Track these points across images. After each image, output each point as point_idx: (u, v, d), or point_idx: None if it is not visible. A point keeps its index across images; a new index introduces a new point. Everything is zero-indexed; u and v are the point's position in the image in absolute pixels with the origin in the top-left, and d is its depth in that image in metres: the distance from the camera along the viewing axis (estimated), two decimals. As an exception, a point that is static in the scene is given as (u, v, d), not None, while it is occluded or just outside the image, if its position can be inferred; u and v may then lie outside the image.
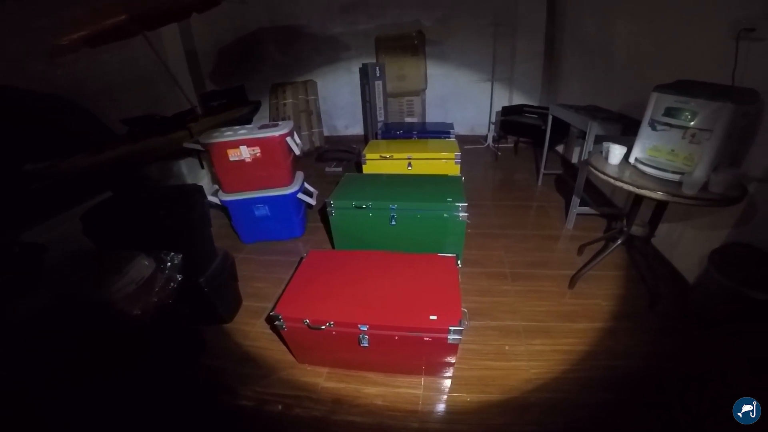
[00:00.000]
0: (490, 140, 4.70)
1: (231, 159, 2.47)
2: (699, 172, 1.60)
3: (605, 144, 1.96)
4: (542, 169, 3.47)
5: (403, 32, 4.50)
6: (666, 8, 2.41)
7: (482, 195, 3.37)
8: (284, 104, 4.44)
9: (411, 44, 4.46)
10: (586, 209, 2.81)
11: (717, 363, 1.70)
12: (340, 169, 4.01)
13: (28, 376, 1.46)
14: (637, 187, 1.69)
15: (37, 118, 2.61)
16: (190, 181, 3.32)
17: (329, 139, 5.14)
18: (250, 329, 2.04)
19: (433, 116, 4.86)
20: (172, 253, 1.68)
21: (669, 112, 1.65)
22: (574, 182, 2.73)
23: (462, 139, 4.66)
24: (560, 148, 4.25)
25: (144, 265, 1.56)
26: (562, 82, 4.31)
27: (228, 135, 2.47)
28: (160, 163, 3.26)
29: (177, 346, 1.78)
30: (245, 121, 3.87)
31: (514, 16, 4.36)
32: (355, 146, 4.21)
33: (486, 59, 4.55)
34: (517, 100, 4.60)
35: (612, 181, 1.79)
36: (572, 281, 2.20)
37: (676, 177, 1.68)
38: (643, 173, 1.80)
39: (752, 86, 1.67)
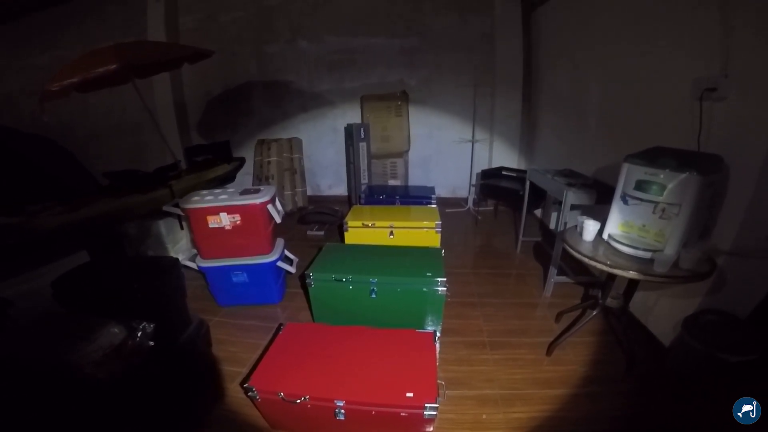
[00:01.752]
0: (470, 203, 4.81)
1: (210, 226, 2.45)
2: (669, 250, 1.67)
3: (579, 218, 2.04)
4: (521, 236, 3.55)
5: (388, 91, 4.71)
6: (634, 70, 2.55)
7: (462, 262, 3.40)
8: (269, 162, 4.50)
9: (395, 104, 4.65)
10: (563, 278, 2.86)
11: (693, 420, 1.74)
12: (322, 233, 4.01)
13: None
14: (610, 266, 1.75)
15: (22, 158, 2.58)
16: (168, 241, 3.26)
17: (312, 199, 5.17)
18: (222, 394, 1.98)
19: (415, 177, 4.98)
20: (144, 323, 1.64)
21: (639, 185, 1.72)
22: (552, 249, 2.79)
23: (443, 202, 4.78)
24: (539, 212, 4.36)
25: (114, 333, 1.53)
26: (539, 143, 4.50)
27: (208, 200, 2.46)
28: (138, 222, 3.21)
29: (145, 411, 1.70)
30: (229, 178, 3.89)
31: (492, 76, 4.59)
32: (337, 209, 4.25)
33: (467, 119, 4.72)
34: (497, 160, 4.74)
35: (586, 260, 1.85)
36: (550, 348, 2.20)
37: (647, 254, 1.74)
38: (617, 250, 1.86)
39: (717, 150, 1.78)
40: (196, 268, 2.57)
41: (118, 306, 1.70)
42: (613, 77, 2.84)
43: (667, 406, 1.83)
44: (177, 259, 1.93)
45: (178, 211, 2.55)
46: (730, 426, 1.58)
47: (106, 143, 4.68)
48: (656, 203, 1.71)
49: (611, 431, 1.70)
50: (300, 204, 4.89)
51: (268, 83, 4.95)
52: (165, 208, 2.70)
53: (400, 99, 4.67)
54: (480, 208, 4.68)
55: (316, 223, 4.16)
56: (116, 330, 1.54)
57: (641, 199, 1.75)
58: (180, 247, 3.29)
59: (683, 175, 1.59)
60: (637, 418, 1.77)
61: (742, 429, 1.54)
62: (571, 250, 1.94)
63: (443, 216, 2.96)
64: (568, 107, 3.64)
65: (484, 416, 1.81)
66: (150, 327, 1.64)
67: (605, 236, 1.95)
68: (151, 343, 1.62)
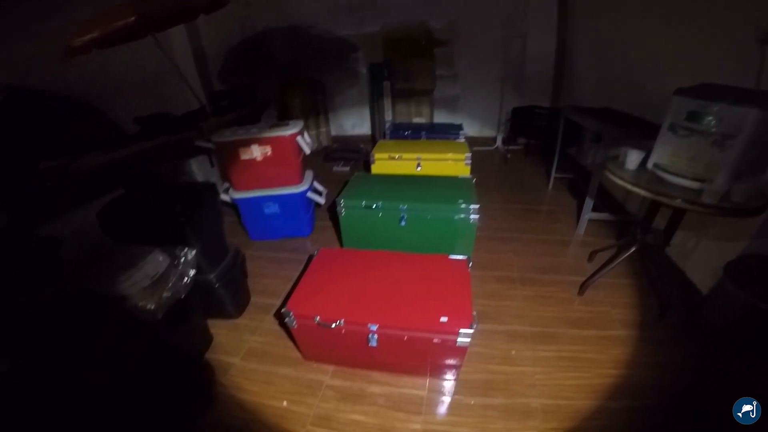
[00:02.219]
0: (499, 142, 4.66)
1: (242, 158, 2.48)
2: (721, 180, 1.55)
3: (623, 148, 1.93)
4: (553, 173, 3.43)
5: (411, 33, 4.46)
6: (683, 10, 2.35)
7: (491, 197, 3.34)
8: (292, 104, 4.43)
9: (419, 45, 4.42)
10: (598, 215, 2.77)
11: (726, 376, 1.66)
12: (347, 168, 4.01)
13: (41, 368, 1.47)
14: (655, 193, 1.66)
15: (51, 118, 2.64)
16: (200, 178, 3.34)
17: (336, 139, 5.13)
18: (258, 325, 2.06)
19: (441, 117, 4.83)
20: (186, 249, 1.70)
21: (691, 116, 1.59)
22: (587, 186, 2.70)
23: (470, 141, 4.62)
24: (572, 152, 4.18)
25: (159, 260, 1.60)
26: (574, 84, 4.24)
27: (240, 134, 2.47)
28: (171, 162, 3.28)
29: (187, 340, 1.80)
30: (254, 120, 3.88)
31: (524, 16, 4.30)
32: (362, 146, 4.21)
33: (496, 60, 4.50)
34: (528, 101, 4.52)
35: (629, 186, 1.75)
36: (582, 288, 2.16)
37: (696, 184, 1.63)
38: (662, 179, 1.75)
39: None
40: (229, 200, 2.62)
41: (160, 233, 1.75)
42: (661, 14, 2.60)
43: (699, 358, 1.76)
44: (213, 183, 1.96)
45: (211, 146, 2.57)
46: (759, 386, 1.55)
47: (130, 98, 4.70)
48: (709, 134, 1.57)
49: (639, 377, 1.66)
50: (325, 143, 4.87)
51: (287, 28, 4.78)
52: (197, 143, 2.74)
53: (424, 39, 4.42)
54: (510, 147, 4.53)
55: (341, 160, 4.15)
56: (160, 257, 1.60)
57: (692, 130, 1.62)
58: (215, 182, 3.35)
59: (742, 108, 1.45)
60: (666, 367, 1.71)
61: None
62: (612, 177, 1.85)
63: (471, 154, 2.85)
64: (609, 45, 3.38)
65: (513, 352, 1.81)
66: (192, 253, 1.70)
67: (650, 165, 1.84)
68: (193, 271, 1.68)
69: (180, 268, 1.66)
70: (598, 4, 3.63)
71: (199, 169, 3.32)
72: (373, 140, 4.80)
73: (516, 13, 4.29)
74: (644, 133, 2.28)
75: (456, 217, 2.14)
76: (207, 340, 1.94)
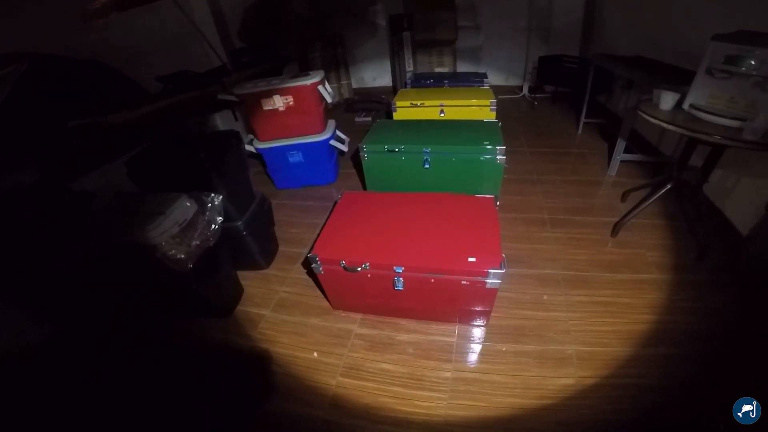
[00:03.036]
0: (525, 90, 4.48)
1: (265, 108, 2.49)
2: (763, 118, 1.47)
3: (656, 90, 1.84)
4: (583, 117, 3.29)
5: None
6: None
7: (518, 142, 3.25)
8: (313, 58, 4.37)
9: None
10: (631, 156, 2.66)
11: (765, 321, 1.59)
12: (369, 118, 3.97)
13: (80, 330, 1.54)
14: (693, 131, 1.59)
15: (76, 83, 2.69)
16: (224, 133, 3.38)
17: (357, 91, 5.06)
18: (287, 275, 2.07)
19: (464, 67, 4.65)
20: (213, 194, 1.71)
21: (731, 60, 1.53)
22: (618, 131, 2.58)
23: (496, 89, 4.47)
24: (602, 98, 3.99)
25: (186, 206, 1.60)
26: (604, 33, 3.99)
27: (261, 85, 2.47)
28: (195, 117, 3.32)
29: (218, 291, 1.82)
30: (275, 74, 3.85)
31: None
32: (384, 97, 4.13)
33: (522, 10, 4.27)
34: (556, 51, 4.26)
35: (664, 125, 1.69)
36: (615, 229, 2.10)
37: (735, 123, 1.56)
38: (698, 119, 1.68)
39: None
40: (254, 151, 2.65)
41: (187, 180, 1.75)
42: None
43: (740, 303, 1.67)
44: (237, 131, 1.97)
45: (234, 98, 2.59)
46: None
47: (152, 59, 4.75)
48: (749, 76, 1.50)
49: (677, 323, 1.60)
50: (346, 95, 4.83)
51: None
52: (220, 96, 2.76)
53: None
54: (536, 95, 4.35)
55: (363, 110, 4.11)
56: (188, 203, 1.61)
57: (731, 73, 1.56)
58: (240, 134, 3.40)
59: None
60: (705, 313, 1.64)
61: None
62: (646, 116, 1.77)
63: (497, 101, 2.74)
64: None
65: (545, 297, 1.77)
66: (218, 199, 1.70)
67: (686, 106, 1.75)
68: (220, 218, 1.69)
69: (207, 214, 1.67)
70: None
71: (224, 123, 3.34)
72: (394, 91, 4.68)
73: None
74: (678, 79, 2.16)
75: (482, 158, 2.09)
76: (238, 291, 1.97)
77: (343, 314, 1.80)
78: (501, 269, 1.37)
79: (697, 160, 1.96)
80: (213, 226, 1.69)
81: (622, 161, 2.63)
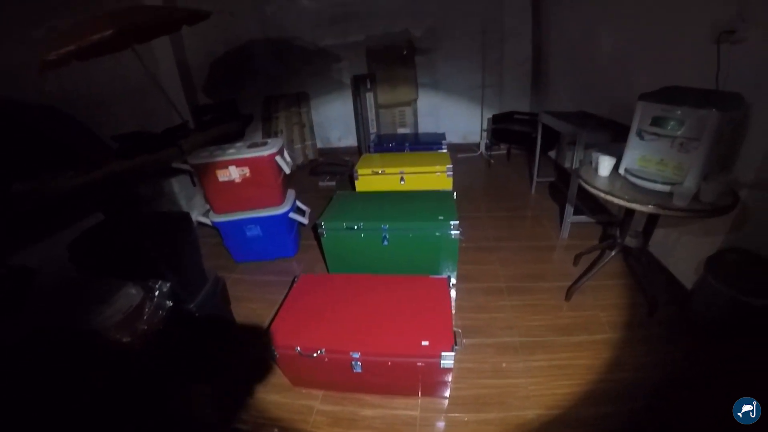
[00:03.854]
0: (482, 148, 4.69)
1: (220, 179, 2.45)
2: (689, 182, 1.60)
3: (594, 154, 1.96)
4: (535, 177, 3.46)
5: (394, 42, 4.48)
6: (646, 12, 2.42)
7: (476, 206, 3.35)
8: (276, 117, 4.42)
9: (401, 54, 4.45)
10: (580, 218, 2.80)
11: (719, 369, 1.67)
12: (333, 183, 3.99)
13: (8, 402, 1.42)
14: (628, 200, 1.68)
15: (31, 131, 2.59)
16: (182, 199, 3.30)
17: (323, 152, 5.12)
18: (245, 352, 2.00)
19: (425, 125, 4.83)
20: (160, 282, 1.66)
21: (656, 121, 1.64)
22: (567, 189, 2.72)
23: (455, 148, 4.69)
24: (552, 153, 4.24)
25: (131, 294, 1.55)
26: (550, 87, 4.30)
27: (217, 155, 2.44)
28: (151, 181, 3.24)
29: (171, 371, 1.76)
30: (238, 135, 3.85)
31: (500, 22, 4.34)
32: (348, 159, 4.21)
33: (476, 66, 4.54)
34: (508, 106, 4.58)
35: (602, 195, 1.78)
36: (569, 293, 2.17)
37: (666, 188, 1.66)
38: (634, 185, 1.79)
39: (736, 89, 1.67)
40: (210, 223, 2.60)
41: (133, 265, 1.70)
42: (625, 17, 2.69)
43: (693, 353, 1.77)
44: (187, 213, 1.93)
45: (188, 167, 2.53)
46: (754, 374, 1.58)
47: (113, 109, 4.67)
48: (674, 137, 1.62)
49: (635, 379, 1.66)
50: (311, 156, 4.86)
51: (271, 41, 4.76)
52: (174, 164, 2.68)
53: (406, 48, 4.44)
54: (492, 153, 4.56)
55: (327, 174, 4.14)
56: (133, 291, 1.56)
57: (658, 135, 1.67)
58: (194, 204, 3.33)
59: (702, 111, 1.50)
60: (662, 366, 1.71)
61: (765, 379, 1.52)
62: (586, 186, 1.87)
63: (455, 161, 2.87)
64: (580, 49, 3.45)
65: (504, 365, 1.79)
66: (166, 286, 1.65)
67: (621, 171, 1.87)
68: (170, 303, 1.64)
69: (155, 300, 1.62)
70: (567, 9, 3.69)
71: (181, 189, 3.28)
72: (359, 152, 4.80)
73: (492, 20, 4.33)
74: (616, 136, 2.36)
75: (437, 233, 2.14)
76: (190, 370, 1.89)
77: (304, 391, 1.76)
78: (452, 352, 1.43)
79: (640, 219, 2.07)
80: (161, 312, 1.62)
81: (572, 223, 2.76)
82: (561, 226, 2.82)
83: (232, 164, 2.41)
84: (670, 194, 1.63)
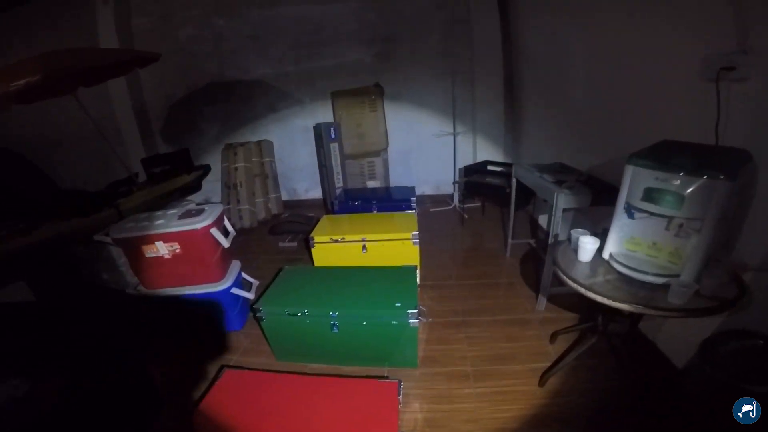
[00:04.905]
0: (456, 201, 4.49)
1: (147, 255, 2.14)
2: (688, 275, 1.35)
3: (573, 234, 1.74)
4: (510, 239, 3.23)
5: (360, 86, 4.33)
6: (630, 47, 2.19)
7: (446, 272, 3.08)
8: (236, 168, 4.14)
9: (369, 99, 4.29)
10: (559, 289, 2.50)
11: None
12: (294, 244, 3.69)
13: None
14: (612, 299, 1.41)
15: None
16: (121, 264, 2.94)
17: (289, 204, 4.85)
18: None
19: (396, 175, 4.62)
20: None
21: (649, 195, 1.38)
22: (544, 253, 2.47)
23: (428, 199, 4.48)
24: (530, 208, 4.02)
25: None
26: (525, 135, 4.15)
27: (142, 227, 2.14)
28: (87, 246, 2.90)
29: None
30: (193, 188, 3.56)
31: (470, 63, 4.26)
32: (312, 215, 3.93)
33: (447, 110, 4.40)
34: (482, 153, 4.43)
35: (583, 291, 1.51)
36: (543, 378, 1.90)
37: (660, 279, 1.42)
38: (620, 273, 1.53)
39: (740, 142, 1.45)
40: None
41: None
42: (604, 56, 2.48)
43: None
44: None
45: (109, 241, 2.22)
46: None
47: (70, 152, 4.45)
48: (671, 218, 1.37)
49: None
50: (274, 211, 4.56)
51: (232, 83, 4.58)
52: (96, 237, 2.34)
53: (373, 93, 4.29)
54: (466, 206, 4.34)
55: (288, 233, 3.84)
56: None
57: (651, 213, 1.41)
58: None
59: (706, 180, 1.24)
60: None
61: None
62: (564, 277, 1.61)
63: (427, 216, 2.65)
64: (555, 93, 3.29)
65: None
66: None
67: (606, 256, 1.63)
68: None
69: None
70: (540, 45, 3.57)
71: (120, 253, 2.93)
72: (325, 206, 4.55)
73: (461, 60, 4.25)
74: (597, 197, 2.16)
75: (394, 322, 1.86)
76: None
77: None
78: None
79: None
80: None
81: (550, 295, 2.49)
82: (537, 295, 2.56)
83: (159, 239, 2.10)
84: (664, 286, 1.39)
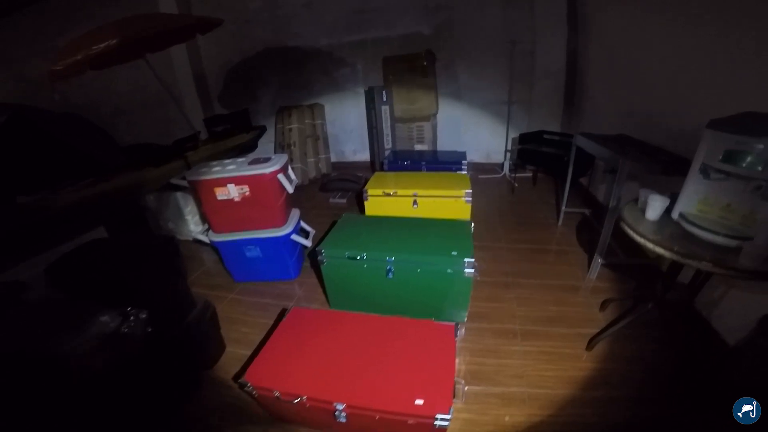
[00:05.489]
0: (506, 169, 4.42)
1: (218, 198, 2.30)
2: (762, 238, 1.28)
3: (643, 193, 1.69)
4: (563, 207, 3.16)
5: (412, 51, 4.26)
6: (718, 18, 2.01)
7: (495, 235, 3.08)
8: (290, 129, 4.28)
9: (421, 65, 4.21)
10: (613, 259, 2.49)
11: None
12: (344, 200, 3.82)
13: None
14: (681, 255, 1.39)
15: (51, 137, 2.56)
16: (187, 213, 3.19)
17: (337, 165, 4.97)
18: (229, 379, 1.86)
19: (444, 142, 4.58)
20: (137, 311, 1.52)
21: (729, 156, 1.33)
22: (599, 224, 2.41)
23: (477, 167, 4.43)
24: (585, 180, 3.88)
25: (104, 322, 1.42)
26: (586, 107, 3.96)
27: (216, 171, 2.29)
28: (156, 194, 3.15)
29: (147, 401, 1.63)
30: (250, 147, 3.75)
31: (532, 32, 4.06)
32: (360, 175, 4.01)
33: (502, 80, 4.26)
34: (536, 125, 4.26)
35: (650, 245, 1.49)
36: (591, 342, 1.91)
37: (731, 242, 1.36)
38: (689, 234, 1.49)
39: None
40: (208, 242, 2.44)
41: (112, 291, 1.59)
42: (684, 23, 2.30)
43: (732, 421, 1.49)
44: (173, 238, 1.78)
45: (185, 184, 2.41)
46: None
47: (133, 118, 4.74)
48: (751, 178, 1.31)
49: None
50: (324, 171, 4.71)
51: (286, 49, 4.68)
52: (172, 180, 2.58)
53: (425, 59, 4.20)
54: (517, 175, 4.28)
55: (338, 190, 3.97)
56: (107, 319, 1.44)
57: (729, 173, 1.36)
58: (199, 218, 3.22)
59: None
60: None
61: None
62: (630, 232, 1.59)
63: (476, 183, 2.63)
64: (625, 63, 3.09)
65: (507, 418, 1.60)
66: (143, 314, 1.53)
67: (675, 215, 1.59)
68: (149, 329, 1.52)
69: (132, 328, 1.49)
70: (610, 16, 3.35)
71: (186, 202, 3.17)
72: (372, 168, 4.62)
73: (522, 30, 4.06)
74: (666, 168, 2.04)
75: (449, 270, 1.90)
76: (168, 400, 1.76)
77: (287, 426, 1.62)
78: (449, 414, 1.26)
79: (686, 270, 1.77)
80: (137, 340, 1.49)
81: (603, 264, 2.45)
82: (589, 265, 2.52)
83: (230, 182, 2.25)
84: (734, 249, 1.34)
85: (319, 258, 2.05)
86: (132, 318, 1.50)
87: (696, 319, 2.04)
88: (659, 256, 1.48)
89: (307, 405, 1.36)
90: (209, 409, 1.74)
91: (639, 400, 1.63)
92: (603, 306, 2.20)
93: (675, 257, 1.41)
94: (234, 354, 2.02)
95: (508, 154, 4.40)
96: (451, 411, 1.27)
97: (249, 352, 1.98)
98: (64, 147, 2.68)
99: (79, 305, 1.48)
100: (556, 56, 4.11)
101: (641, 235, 1.53)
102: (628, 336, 1.94)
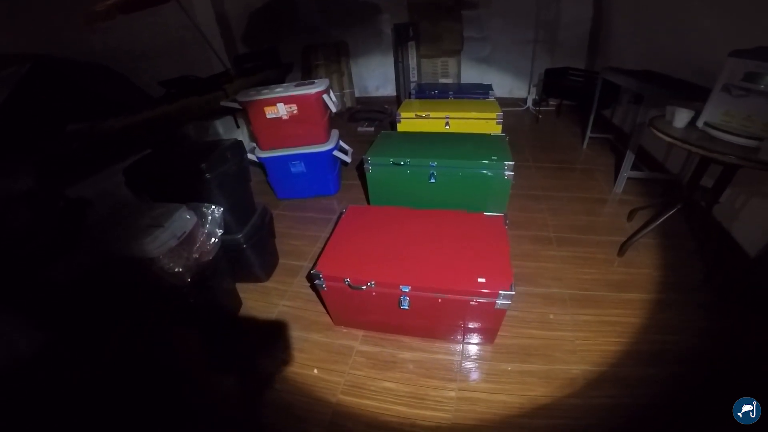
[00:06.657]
0: (529, 103, 4.47)
1: (268, 116, 2.45)
2: None
3: (670, 107, 1.80)
4: (588, 132, 3.26)
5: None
6: None
7: (523, 157, 3.20)
8: (316, 65, 4.35)
9: (446, 5, 4.19)
10: (637, 173, 2.62)
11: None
12: (372, 129, 3.94)
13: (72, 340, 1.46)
14: (707, 150, 1.54)
15: (78, 84, 2.66)
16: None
17: (360, 100, 5.05)
18: (287, 288, 1.99)
19: (468, 77, 4.63)
20: (213, 207, 1.65)
21: (750, 77, 1.47)
22: (624, 147, 2.53)
23: (500, 101, 4.44)
24: (607, 113, 3.94)
25: (185, 219, 1.53)
26: (611, 44, 3.94)
27: (265, 93, 2.43)
28: (196, 123, 3.28)
29: (216, 305, 1.76)
30: (278, 82, 3.82)
31: None
32: (387, 107, 4.11)
33: (528, 23, 4.25)
34: (561, 63, 4.26)
35: (679, 143, 1.64)
36: (622, 249, 2.05)
37: (751, 142, 1.51)
38: (712, 137, 1.63)
39: None
40: (256, 159, 2.61)
41: (186, 191, 1.69)
42: None
43: (749, 322, 1.64)
44: (240, 141, 1.91)
45: (236, 105, 2.55)
46: None
47: (156, 62, 4.77)
48: None
49: (684, 342, 1.56)
50: (349, 104, 4.82)
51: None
52: (223, 103, 2.72)
53: (451, 1, 4.16)
54: (541, 108, 4.33)
55: (365, 120, 4.08)
56: (187, 216, 1.53)
57: (749, 90, 1.50)
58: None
59: None
60: (714, 332, 1.60)
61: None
62: (660, 134, 1.72)
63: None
64: (651, 7, 3.06)
65: (551, 316, 1.72)
66: (219, 211, 1.64)
67: (700, 124, 1.71)
68: (220, 230, 1.63)
69: (207, 227, 1.61)
70: None
71: (225, 130, 3.31)
72: (398, 101, 4.68)
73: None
74: (690, 94, 2.12)
75: (490, 173, 2.05)
76: (237, 305, 1.90)
77: (344, 330, 1.74)
78: (511, 291, 1.33)
79: (706, 180, 1.92)
80: (212, 239, 1.62)
81: (629, 178, 2.59)
82: (615, 180, 2.66)
83: (280, 101, 2.40)
84: (754, 149, 1.48)
85: (365, 166, 2.21)
86: (209, 216, 1.62)
87: (718, 230, 2.15)
88: (681, 170, 1.59)
89: (374, 293, 1.45)
90: (268, 319, 1.84)
91: (668, 303, 1.76)
92: (630, 215, 2.35)
93: (704, 152, 1.56)
94: (287, 265, 2.15)
95: (533, 89, 4.44)
96: (513, 287, 1.34)
97: (301, 263, 2.12)
98: (90, 93, 2.79)
99: (157, 206, 1.56)
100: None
101: (671, 137, 1.67)
102: (656, 245, 2.10)
